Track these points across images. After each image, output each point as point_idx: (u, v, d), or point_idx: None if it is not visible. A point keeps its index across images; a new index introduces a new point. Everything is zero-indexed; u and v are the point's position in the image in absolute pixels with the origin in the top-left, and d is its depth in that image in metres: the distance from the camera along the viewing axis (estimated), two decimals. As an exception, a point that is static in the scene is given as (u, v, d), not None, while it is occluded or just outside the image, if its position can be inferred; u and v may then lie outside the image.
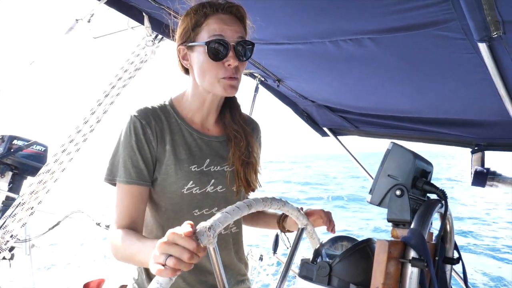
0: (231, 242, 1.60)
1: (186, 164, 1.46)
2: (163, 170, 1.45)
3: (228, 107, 1.60)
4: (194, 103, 1.51)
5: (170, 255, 0.93)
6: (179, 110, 1.52)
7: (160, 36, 2.50)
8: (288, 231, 1.70)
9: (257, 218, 1.84)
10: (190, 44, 1.41)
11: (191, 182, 1.46)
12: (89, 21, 2.51)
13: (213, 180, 1.50)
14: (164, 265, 0.93)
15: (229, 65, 1.36)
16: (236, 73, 1.39)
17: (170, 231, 0.96)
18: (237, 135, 1.56)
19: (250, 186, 1.56)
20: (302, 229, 1.34)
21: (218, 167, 1.53)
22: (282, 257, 3.96)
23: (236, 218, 1.02)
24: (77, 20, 2.09)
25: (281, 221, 1.69)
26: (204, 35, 1.37)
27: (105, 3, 1.87)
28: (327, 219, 1.56)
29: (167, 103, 1.53)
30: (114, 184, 1.45)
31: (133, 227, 1.39)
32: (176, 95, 1.57)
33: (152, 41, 2.44)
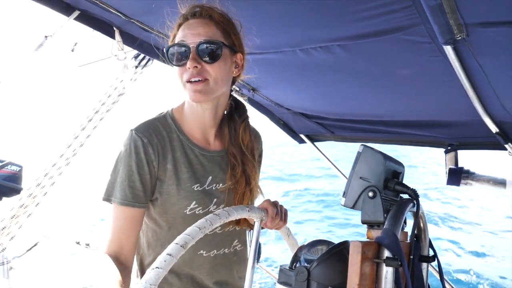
0: (235, 260, 1.57)
1: (189, 183, 1.43)
2: (164, 190, 1.42)
3: (228, 124, 1.54)
4: (191, 116, 1.48)
5: None
6: (180, 123, 1.49)
7: (141, 57, 2.52)
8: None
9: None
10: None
11: (194, 202, 1.43)
12: (72, 50, 2.51)
13: (215, 199, 1.48)
14: None
15: (188, 68, 1.33)
16: (200, 75, 1.34)
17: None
18: (234, 161, 1.50)
19: None
20: (259, 222, 1.35)
21: (220, 184, 1.49)
22: (265, 267, 3.96)
23: (171, 265, 0.99)
24: (46, 36, 2.08)
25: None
26: (169, 45, 1.39)
27: (75, 19, 1.86)
28: (273, 208, 1.41)
29: (168, 116, 1.50)
30: (110, 203, 1.43)
31: (120, 252, 1.38)
32: (177, 106, 1.53)
33: (125, 55, 2.44)
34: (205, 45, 1.34)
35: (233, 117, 1.55)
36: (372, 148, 1.03)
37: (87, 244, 4.48)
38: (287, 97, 2.88)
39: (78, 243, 4.41)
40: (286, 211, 1.48)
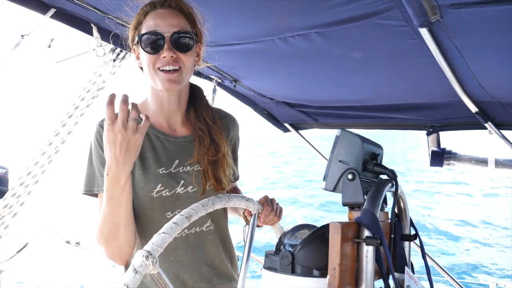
0: (210, 240, 1.56)
1: (153, 168, 1.47)
2: (131, 176, 1.41)
3: (193, 104, 1.60)
4: (154, 104, 1.53)
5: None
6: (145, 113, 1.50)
7: (118, 50, 2.50)
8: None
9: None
10: (134, 43, 1.45)
11: (159, 185, 1.46)
12: (49, 46, 2.48)
13: (182, 181, 1.50)
14: None
15: (164, 56, 1.37)
16: (175, 63, 1.39)
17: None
18: (201, 133, 1.55)
19: (220, 184, 1.54)
20: (255, 215, 1.39)
21: (188, 167, 1.52)
22: (257, 257, 3.99)
23: (175, 235, 1.03)
24: (22, 36, 2.06)
25: (244, 213, 1.66)
26: (143, 32, 1.41)
27: (51, 17, 1.85)
28: (268, 204, 1.48)
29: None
30: (94, 196, 1.48)
31: None
32: (140, 100, 1.57)
33: (104, 52, 2.42)
34: (180, 35, 1.39)
35: (195, 97, 1.61)
36: (349, 132, 1.05)
37: (77, 243, 4.47)
38: (270, 87, 2.89)
39: (68, 242, 4.41)
40: (281, 208, 1.56)
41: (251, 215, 1.41)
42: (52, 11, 1.85)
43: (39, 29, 2.04)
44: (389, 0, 1.36)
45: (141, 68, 1.49)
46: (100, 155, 1.43)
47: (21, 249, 4.03)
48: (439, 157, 2.58)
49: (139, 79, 1.50)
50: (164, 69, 1.39)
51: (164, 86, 1.41)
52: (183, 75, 1.43)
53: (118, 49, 2.51)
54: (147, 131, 1.46)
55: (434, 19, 1.35)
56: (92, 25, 2.06)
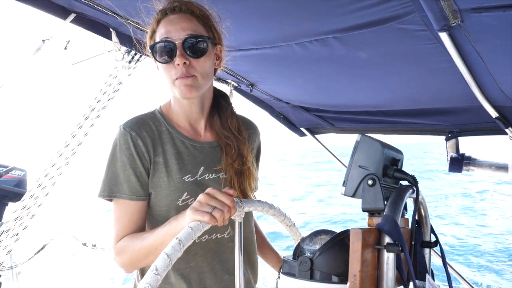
0: (230, 247, 1.51)
1: (179, 175, 1.43)
2: (156, 183, 1.42)
3: (217, 111, 1.55)
4: (179, 110, 1.49)
5: (214, 207, 1.11)
6: (169, 117, 1.49)
7: (133, 52, 2.52)
8: None
9: (261, 249, 1.79)
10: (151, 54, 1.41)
11: (185, 193, 1.42)
12: (65, 48, 2.51)
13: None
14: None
15: (177, 64, 1.33)
16: (189, 71, 1.35)
17: (210, 187, 1.15)
18: (228, 142, 1.51)
19: (245, 196, 1.51)
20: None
21: (213, 174, 1.49)
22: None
23: (259, 209, 1.27)
24: (43, 40, 2.09)
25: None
26: (155, 41, 1.38)
27: (71, 21, 1.87)
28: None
29: (156, 111, 1.51)
30: (110, 200, 1.43)
31: None
32: (164, 102, 1.54)
33: (122, 56, 2.44)
34: (191, 40, 1.35)
35: (219, 104, 1.57)
36: (369, 137, 1.04)
37: (94, 245, 4.50)
38: (286, 91, 2.88)
39: (84, 244, 4.44)
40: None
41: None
42: (72, 16, 1.87)
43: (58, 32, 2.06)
44: (409, 5, 1.35)
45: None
46: (121, 160, 1.39)
47: (39, 251, 4.07)
48: (458, 163, 2.54)
49: (155, 81, 1.49)
50: (180, 78, 1.35)
51: (182, 95, 1.37)
52: (199, 81, 1.38)
53: (134, 51, 2.52)
54: (172, 136, 1.46)
55: (455, 23, 1.34)
56: (110, 29, 2.08)
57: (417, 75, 2.08)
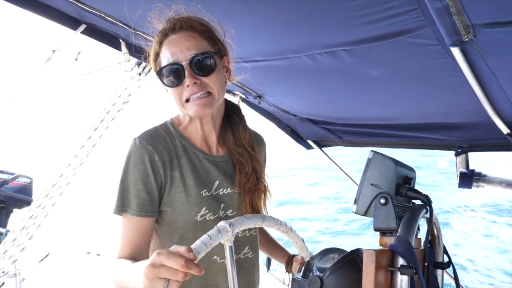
0: (246, 268, 1.50)
1: (196, 189, 1.39)
2: (172, 199, 1.38)
3: (230, 128, 1.51)
4: (191, 125, 1.45)
5: (168, 280, 0.92)
6: (182, 130, 1.46)
7: (143, 64, 2.53)
8: (293, 273, 1.60)
9: (266, 246, 1.78)
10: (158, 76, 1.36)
11: (204, 208, 1.38)
12: (76, 59, 2.52)
13: (223, 204, 1.43)
14: None
15: (187, 85, 1.29)
16: (202, 89, 1.31)
17: (155, 252, 0.94)
18: (242, 160, 1.48)
19: (257, 212, 1.48)
20: (305, 262, 1.37)
21: (228, 189, 1.46)
22: (275, 273, 3.92)
23: (251, 225, 1.17)
24: (53, 51, 2.09)
25: (290, 262, 1.64)
26: (161, 66, 1.34)
27: (81, 32, 1.88)
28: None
29: (169, 123, 1.47)
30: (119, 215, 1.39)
31: (135, 257, 1.32)
32: (175, 115, 1.50)
33: (132, 67, 2.45)
34: (197, 59, 1.30)
35: (231, 118, 1.53)
36: (382, 154, 1.02)
37: (98, 254, 4.49)
38: (294, 103, 2.87)
39: (89, 253, 4.43)
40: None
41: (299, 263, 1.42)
42: (83, 27, 1.88)
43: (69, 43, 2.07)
44: (421, 19, 1.34)
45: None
46: (133, 174, 1.34)
47: (43, 259, 4.07)
48: (468, 178, 2.51)
49: (164, 94, 1.45)
50: (193, 98, 1.31)
51: (196, 113, 1.33)
52: (214, 98, 1.34)
53: (144, 63, 2.53)
54: (186, 149, 1.41)
55: (467, 38, 1.32)
56: (120, 40, 2.08)
57: (427, 90, 2.06)
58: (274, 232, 1.82)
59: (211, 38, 1.39)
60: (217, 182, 1.44)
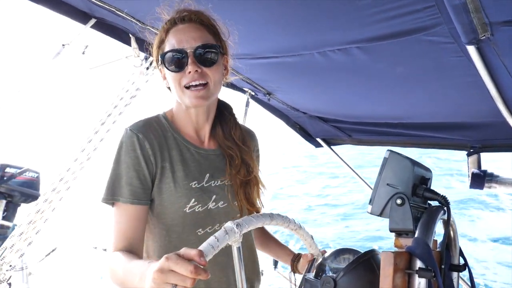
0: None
1: (186, 181, 1.41)
2: (162, 189, 1.40)
3: (219, 122, 1.55)
4: (184, 118, 1.48)
5: (175, 285, 0.90)
6: (174, 123, 1.49)
7: (151, 58, 2.51)
8: (299, 272, 1.62)
9: (267, 246, 1.78)
10: (159, 63, 1.41)
11: (193, 199, 1.40)
12: (83, 53, 2.51)
13: (214, 196, 1.45)
14: None
15: (189, 72, 1.33)
16: (201, 78, 1.35)
17: (164, 257, 0.92)
18: (231, 152, 1.51)
19: (252, 206, 1.50)
20: (314, 259, 1.36)
21: (219, 181, 1.48)
22: (282, 272, 3.92)
23: (259, 225, 1.13)
24: (63, 45, 2.08)
25: (295, 260, 1.63)
26: (166, 50, 1.37)
27: (91, 27, 1.87)
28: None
29: (161, 116, 1.50)
30: (111, 205, 1.40)
31: (130, 249, 1.33)
32: (167, 109, 1.53)
33: (141, 62, 2.44)
34: (203, 50, 1.35)
35: (222, 115, 1.57)
36: (399, 154, 1.00)
37: (104, 249, 4.50)
38: (304, 101, 2.85)
39: (95, 248, 4.44)
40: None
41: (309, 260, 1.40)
42: (93, 21, 1.87)
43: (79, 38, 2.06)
44: (437, 16, 1.32)
45: (169, 88, 1.45)
46: (125, 161, 1.37)
47: (49, 253, 4.08)
48: (480, 179, 2.48)
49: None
50: (191, 84, 1.35)
51: (192, 103, 1.37)
52: (210, 90, 1.38)
53: (152, 58, 2.52)
54: (177, 142, 1.45)
55: (484, 37, 1.29)
56: (130, 35, 2.07)
57: (440, 88, 2.04)
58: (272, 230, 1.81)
59: (216, 35, 1.44)
60: (208, 174, 1.46)
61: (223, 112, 1.57)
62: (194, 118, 1.47)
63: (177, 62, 1.35)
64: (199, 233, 1.42)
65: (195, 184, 1.42)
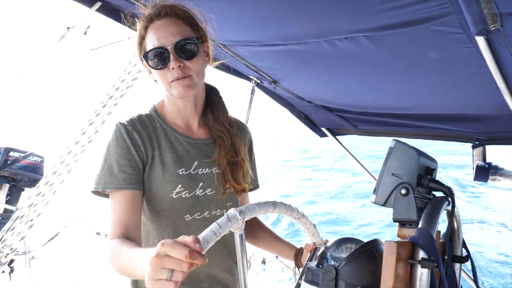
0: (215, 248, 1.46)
1: (173, 168, 1.46)
2: (150, 176, 1.45)
3: (210, 109, 1.59)
4: (173, 109, 1.53)
5: (172, 269, 0.91)
6: (163, 115, 1.54)
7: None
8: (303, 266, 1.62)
9: (269, 242, 1.77)
10: (143, 61, 1.45)
11: (179, 186, 1.45)
12: (85, 33, 2.50)
13: (201, 183, 1.50)
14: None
15: (172, 68, 1.37)
16: (185, 72, 1.39)
17: (160, 242, 0.93)
18: (221, 135, 1.55)
19: (239, 185, 1.55)
20: (316, 248, 1.36)
21: (207, 169, 1.52)
22: (285, 261, 3.93)
23: (262, 213, 1.12)
24: (68, 28, 2.07)
25: (299, 255, 1.63)
26: (147, 50, 1.41)
27: (97, 10, 1.85)
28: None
29: (150, 109, 1.55)
30: (103, 195, 1.46)
31: (128, 235, 1.35)
32: (157, 101, 1.58)
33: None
34: (182, 43, 1.38)
35: (211, 100, 1.61)
36: (405, 143, 0.99)
37: (107, 235, 4.53)
38: (309, 90, 2.84)
39: (98, 233, 4.46)
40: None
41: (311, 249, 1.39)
42: (98, 4, 1.86)
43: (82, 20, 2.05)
44: (447, 6, 1.30)
45: (156, 81, 1.48)
46: (116, 152, 1.41)
47: (52, 238, 4.10)
48: (485, 171, 2.47)
49: None
50: (176, 79, 1.39)
51: (180, 94, 1.41)
52: (194, 80, 1.42)
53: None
54: (166, 132, 1.51)
55: (494, 27, 1.28)
56: (136, 20, 2.05)
57: (447, 79, 2.02)
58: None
59: (193, 25, 1.47)
60: (196, 162, 1.51)
61: (211, 96, 1.61)
62: (182, 108, 1.52)
63: (160, 59, 1.39)
64: (187, 219, 1.47)
65: (182, 171, 1.47)
